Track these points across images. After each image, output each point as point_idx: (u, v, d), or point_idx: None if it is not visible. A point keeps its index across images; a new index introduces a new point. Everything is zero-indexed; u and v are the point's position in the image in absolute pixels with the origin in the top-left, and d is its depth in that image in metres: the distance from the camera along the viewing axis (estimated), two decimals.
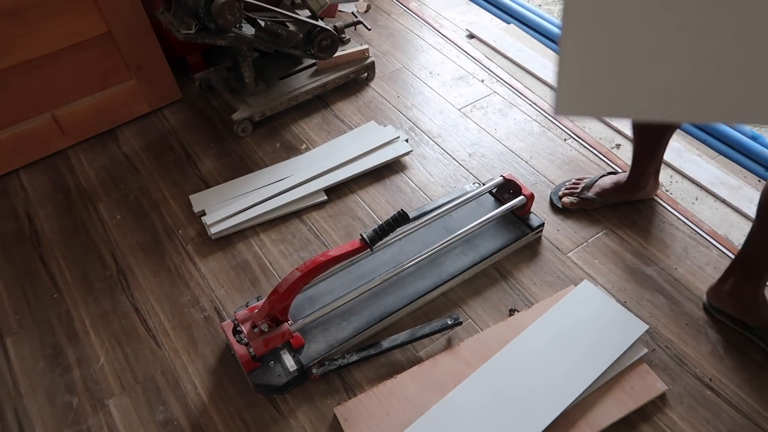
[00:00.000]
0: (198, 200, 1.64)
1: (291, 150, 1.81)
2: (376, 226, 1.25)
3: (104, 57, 1.76)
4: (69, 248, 1.55)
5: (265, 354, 1.22)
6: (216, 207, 1.61)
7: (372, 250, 1.27)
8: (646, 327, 1.25)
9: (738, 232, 1.49)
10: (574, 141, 1.78)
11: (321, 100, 1.97)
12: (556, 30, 2.24)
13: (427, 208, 1.53)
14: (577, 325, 1.27)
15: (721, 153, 1.72)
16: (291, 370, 1.22)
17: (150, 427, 1.20)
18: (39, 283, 1.48)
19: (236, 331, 1.25)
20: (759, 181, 1.63)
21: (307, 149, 1.80)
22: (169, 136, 1.87)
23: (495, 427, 1.12)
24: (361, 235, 1.25)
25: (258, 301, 1.33)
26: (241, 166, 1.76)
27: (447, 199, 1.57)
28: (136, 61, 1.83)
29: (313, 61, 1.97)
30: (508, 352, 1.24)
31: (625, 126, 1.79)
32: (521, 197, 1.47)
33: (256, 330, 1.23)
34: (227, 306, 1.40)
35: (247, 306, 1.32)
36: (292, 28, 1.75)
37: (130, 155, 1.81)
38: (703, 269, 1.42)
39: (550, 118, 1.87)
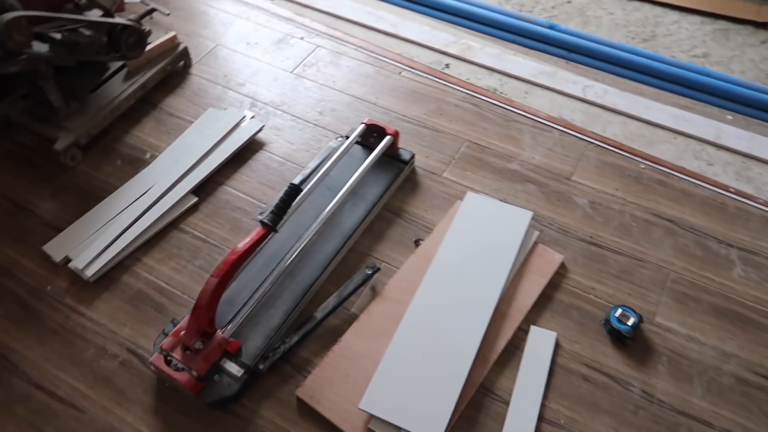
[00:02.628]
0: (55, 248, 1.46)
1: (136, 163, 1.67)
2: (271, 207, 1.23)
3: None
4: None
5: (209, 371, 1.17)
6: (80, 248, 1.45)
7: (276, 231, 1.26)
8: (531, 213, 1.42)
9: (568, 110, 1.72)
10: (408, 72, 1.88)
11: (147, 102, 1.82)
12: None
13: (304, 175, 1.53)
14: (477, 232, 1.40)
15: (530, 48, 1.93)
16: (239, 375, 1.19)
17: None
18: None
19: (168, 362, 1.18)
20: (566, 62, 1.88)
21: (153, 157, 1.67)
22: None
23: (448, 343, 1.21)
24: (260, 221, 1.23)
25: (174, 325, 1.26)
26: (86, 196, 1.59)
27: (318, 161, 1.58)
28: None
29: (121, 63, 1.80)
30: (430, 278, 1.33)
31: (448, 45, 1.92)
32: (388, 137, 1.54)
33: (189, 352, 1.17)
34: (140, 342, 1.30)
35: (165, 334, 1.24)
36: (89, 33, 1.57)
37: None
38: (553, 150, 1.63)
39: (379, 57, 1.93)
